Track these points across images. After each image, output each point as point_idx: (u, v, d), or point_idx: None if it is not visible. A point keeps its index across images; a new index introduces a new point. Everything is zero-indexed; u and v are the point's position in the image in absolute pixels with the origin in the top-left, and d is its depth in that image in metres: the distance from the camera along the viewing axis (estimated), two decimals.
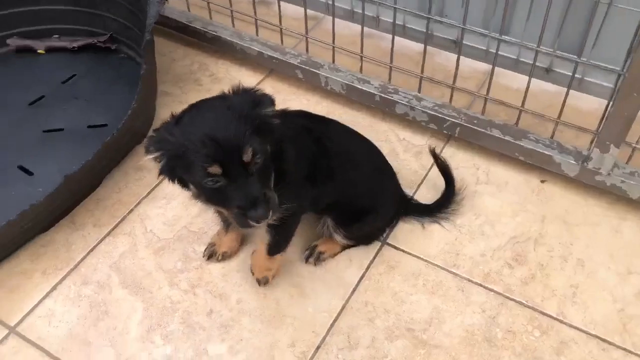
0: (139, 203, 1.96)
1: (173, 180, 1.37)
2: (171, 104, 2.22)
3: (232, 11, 2.37)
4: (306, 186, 1.58)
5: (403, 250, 1.83)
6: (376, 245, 1.85)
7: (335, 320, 1.68)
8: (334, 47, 2.20)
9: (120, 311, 1.71)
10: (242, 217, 1.29)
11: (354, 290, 1.75)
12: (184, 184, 1.38)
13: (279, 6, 2.23)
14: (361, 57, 2.17)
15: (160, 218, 1.92)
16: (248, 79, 2.36)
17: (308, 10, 2.16)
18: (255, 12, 2.32)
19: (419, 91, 2.11)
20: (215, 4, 2.40)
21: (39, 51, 2.42)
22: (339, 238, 1.76)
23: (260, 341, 1.65)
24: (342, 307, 1.71)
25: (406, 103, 2.07)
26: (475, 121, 2.00)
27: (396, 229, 1.88)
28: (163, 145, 1.29)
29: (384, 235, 1.86)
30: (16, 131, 2.13)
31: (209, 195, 1.34)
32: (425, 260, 1.81)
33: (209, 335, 1.66)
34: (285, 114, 1.58)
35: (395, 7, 1.99)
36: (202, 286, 1.76)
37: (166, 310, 1.71)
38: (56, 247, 1.85)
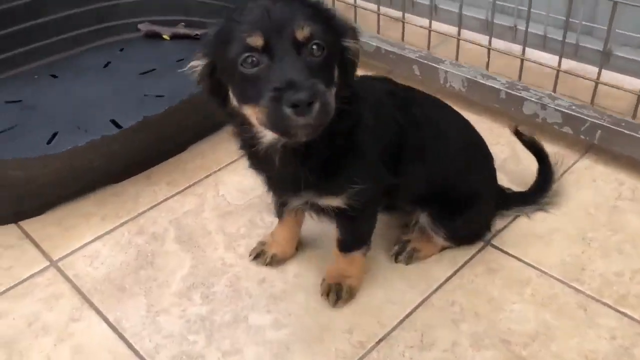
0: (218, 170, 1.79)
1: (211, 91, 1.10)
2: None
3: (355, 7, 2.25)
4: (384, 166, 1.24)
5: (510, 254, 1.45)
6: (476, 245, 1.49)
7: (408, 315, 1.33)
8: (458, 39, 1.96)
9: (167, 264, 1.50)
10: (276, 102, 0.94)
11: (440, 286, 1.39)
12: (222, 95, 1.09)
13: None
14: (488, 49, 1.91)
15: (236, 185, 1.73)
16: None
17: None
18: (378, 8, 2.18)
19: (554, 90, 1.79)
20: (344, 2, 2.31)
21: (164, 36, 2.45)
22: (440, 240, 1.42)
23: (311, 320, 1.33)
24: (421, 302, 1.36)
25: (536, 101, 1.75)
26: (622, 124, 1.62)
27: (505, 230, 1.52)
28: (207, 40, 1.06)
29: (489, 234, 1.50)
30: (120, 93, 2.11)
31: (244, 88, 1.02)
32: (538, 269, 1.41)
33: (254, 304, 1.38)
34: (365, 77, 1.32)
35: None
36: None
37: (215, 270, 1.47)
38: (124, 198, 1.72)
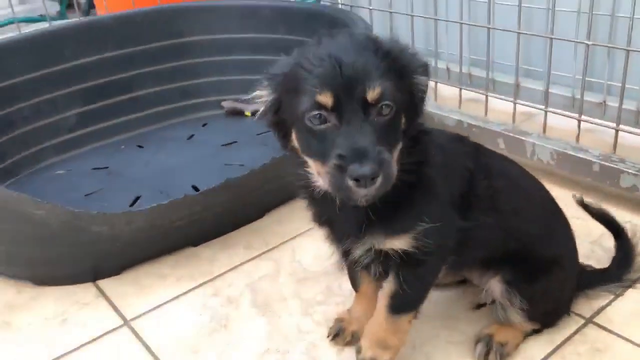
0: (295, 237, 1.76)
1: (274, 126, 1.10)
2: None
3: (436, 82, 2.26)
4: (453, 210, 1.16)
5: (616, 334, 1.31)
6: (575, 321, 1.35)
7: None
8: (546, 111, 1.91)
9: (241, 328, 1.44)
10: (339, 171, 0.94)
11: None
12: (284, 132, 1.09)
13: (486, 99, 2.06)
14: (579, 120, 1.84)
15: (312, 252, 1.68)
16: None
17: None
18: (460, 85, 2.17)
19: None
20: None
21: (246, 113, 2.53)
22: (518, 317, 1.26)
23: None
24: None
25: (636, 172, 1.64)
26: None
27: (609, 307, 1.38)
28: (276, 76, 1.06)
29: (588, 315, 1.36)
30: (202, 162, 2.16)
31: (308, 142, 1.01)
32: None
33: None
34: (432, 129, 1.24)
35: None
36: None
37: (291, 337, 1.39)
38: (200, 260, 1.70)
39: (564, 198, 1.56)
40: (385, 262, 1.15)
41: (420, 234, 1.09)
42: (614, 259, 1.46)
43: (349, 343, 1.35)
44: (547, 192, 1.35)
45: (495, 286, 1.26)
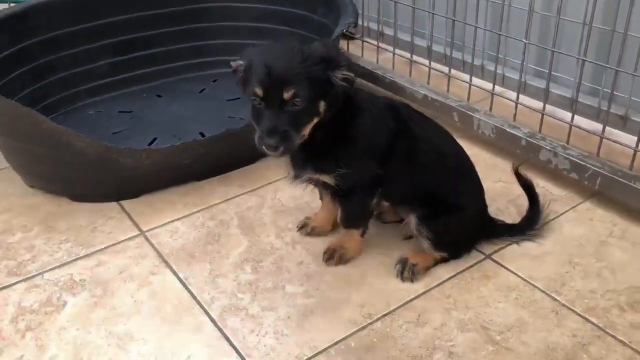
0: (278, 180, 2.19)
1: (243, 90, 1.56)
2: None
3: (411, 61, 2.65)
4: (370, 160, 1.63)
5: (505, 267, 1.75)
6: (478, 257, 1.80)
7: (411, 300, 1.65)
8: (493, 94, 2.31)
9: (229, 242, 1.90)
10: (260, 139, 1.47)
11: (440, 283, 1.71)
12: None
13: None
14: (516, 104, 2.24)
15: (290, 192, 2.12)
16: None
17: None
18: (430, 62, 2.57)
19: (567, 142, 2.09)
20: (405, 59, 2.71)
21: None
22: (426, 244, 1.71)
23: (333, 294, 1.68)
24: (423, 292, 1.68)
25: (550, 149, 2.05)
26: (619, 173, 1.90)
27: (505, 249, 1.82)
28: (245, 59, 1.53)
29: (488, 253, 1.81)
30: (209, 113, 2.59)
31: (252, 111, 1.52)
32: (526, 280, 1.70)
33: (291, 278, 1.75)
34: (384, 98, 1.74)
35: None
36: (302, 243, 1.88)
37: (265, 251, 1.85)
38: (202, 192, 2.15)
39: (500, 165, 2.05)
40: (325, 189, 1.71)
41: (339, 175, 1.59)
42: (524, 218, 1.89)
43: (309, 234, 1.91)
44: (462, 157, 1.79)
45: (412, 220, 1.73)
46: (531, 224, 1.87)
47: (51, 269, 1.82)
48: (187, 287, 1.73)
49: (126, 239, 1.94)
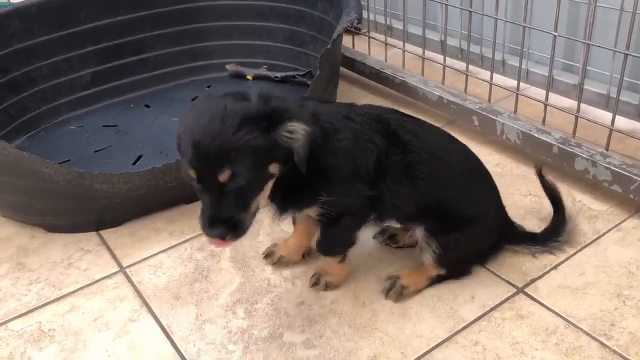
0: None
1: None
2: None
3: (423, 58, 2.38)
4: (357, 184, 1.38)
5: (541, 303, 1.49)
6: (509, 290, 1.54)
7: (431, 349, 1.40)
8: (517, 93, 2.04)
9: (219, 279, 1.65)
10: (204, 229, 1.24)
11: (466, 326, 1.45)
12: None
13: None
14: (545, 105, 1.96)
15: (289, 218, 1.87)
16: None
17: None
18: (444, 59, 2.29)
19: (607, 149, 1.81)
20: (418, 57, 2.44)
21: (247, 77, 2.69)
22: (429, 258, 1.50)
23: (340, 344, 1.43)
24: (445, 339, 1.42)
25: (588, 157, 1.78)
26: None
27: (540, 280, 1.55)
28: (178, 126, 1.28)
29: (520, 285, 1.54)
30: None
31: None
32: (567, 321, 1.43)
33: (290, 323, 1.50)
34: (370, 107, 1.50)
35: None
36: (303, 279, 1.63)
37: (260, 289, 1.61)
38: (191, 217, 1.90)
39: (529, 175, 1.80)
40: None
41: (322, 204, 1.36)
42: (546, 228, 1.66)
43: (276, 264, 1.67)
44: (470, 161, 1.54)
45: (419, 232, 1.51)
46: (554, 233, 1.63)
47: (17, 317, 1.59)
48: (170, 337, 1.49)
49: (104, 277, 1.70)
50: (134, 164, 2.12)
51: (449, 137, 1.55)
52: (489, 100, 2.15)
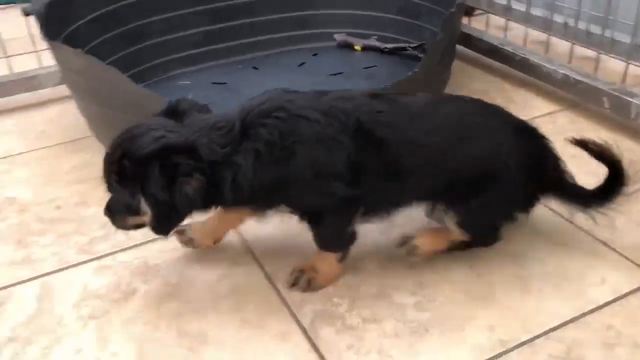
0: None
1: None
2: None
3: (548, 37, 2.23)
4: (328, 186, 1.28)
5: None
6: None
7: (557, 327, 1.28)
8: None
9: None
10: None
11: (596, 308, 1.32)
12: None
13: None
14: None
15: None
16: (542, 108, 2.15)
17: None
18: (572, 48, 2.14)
19: None
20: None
21: (355, 47, 2.62)
22: (452, 225, 1.37)
23: (454, 310, 1.34)
24: (573, 319, 1.29)
25: None
26: None
27: None
28: None
29: None
30: (309, 88, 2.27)
31: None
32: None
33: (399, 284, 1.42)
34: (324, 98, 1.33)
35: None
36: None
37: (366, 249, 1.53)
38: None
39: None
40: None
41: (292, 206, 1.34)
42: (601, 186, 1.41)
43: (185, 243, 1.53)
44: (473, 120, 1.37)
45: (440, 207, 1.39)
46: (607, 194, 1.40)
47: (124, 250, 1.59)
48: (274, 284, 1.45)
49: None
50: None
51: (442, 104, 1.40)
52: (623, 82, 1.98)
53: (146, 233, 1.48)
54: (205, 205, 1.30)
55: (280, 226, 1.62)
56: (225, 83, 2.40)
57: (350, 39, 2.65)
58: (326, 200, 1.30)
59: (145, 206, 1.25)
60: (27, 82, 2.40)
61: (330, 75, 2.40)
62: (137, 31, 2.42)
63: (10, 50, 2.40)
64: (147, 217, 1.28)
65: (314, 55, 2.63)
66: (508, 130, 1.38)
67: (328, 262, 1.42)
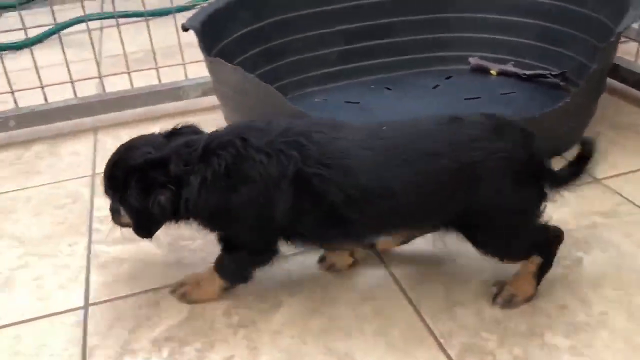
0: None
1: None
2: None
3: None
4: (262, 228, 1.38)
5: None
6: None
7: None
8: None
9: (469, 265, 1.57)
10: None
11: None
12: None
13: None
14: None
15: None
16: None
17: None
18: None
19: None
20: None
21: (491, 72, 2.58)
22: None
23: (612, 358, 1.27)
24: None
25: None
26: None
27: None
28: None
29: None
30: (445, 111, 2.17)
31: None
32: None
33: (551, 324, 1.37)
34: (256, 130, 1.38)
35: None
36: (560, 282, 1.48)
37: None
38: None
39: None
40: None
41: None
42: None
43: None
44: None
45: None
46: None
47: None
48: (418, 311, 1.44)
49: None
50: None
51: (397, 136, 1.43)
52: None
53: (290, 247, 1.52)
54: (174, 214, 1.39)
55: (424, 249, 1.62)
56: (358, 102, 2.44)
57: (486, 63, 2.60)
58: (252, 239, 1.41)
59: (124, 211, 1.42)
60: (173, 92, 2.56)
61: (466, 99, 2.37)
62: (279, 49, 2.51)
63: (160, 62, 2.57)
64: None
65: (447, 78, 2.61)
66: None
67: (215, 283, 1.49)
